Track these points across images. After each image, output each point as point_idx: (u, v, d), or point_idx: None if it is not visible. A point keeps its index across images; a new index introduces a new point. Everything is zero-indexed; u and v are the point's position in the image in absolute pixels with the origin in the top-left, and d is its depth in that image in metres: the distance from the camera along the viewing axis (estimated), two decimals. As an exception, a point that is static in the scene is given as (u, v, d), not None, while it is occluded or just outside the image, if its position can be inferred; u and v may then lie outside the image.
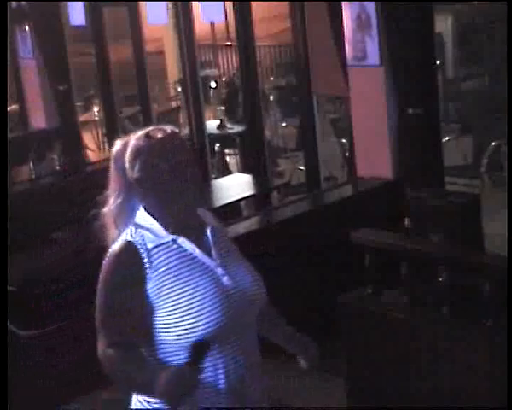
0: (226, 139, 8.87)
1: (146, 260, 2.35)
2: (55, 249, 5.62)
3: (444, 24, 10.04)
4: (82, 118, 9.97)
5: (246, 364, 2.42)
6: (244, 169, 8.13)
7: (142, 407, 2.41)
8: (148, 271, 2.34)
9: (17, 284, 4.65)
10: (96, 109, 10.26)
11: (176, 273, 2.36)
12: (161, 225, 2.40)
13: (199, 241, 2.44)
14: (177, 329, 2.32)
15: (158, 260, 2.36)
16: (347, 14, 5.41)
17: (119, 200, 2.43)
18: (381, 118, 5.37)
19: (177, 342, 2.33)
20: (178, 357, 2.34)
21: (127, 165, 2.41)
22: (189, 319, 2.31)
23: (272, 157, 8.12)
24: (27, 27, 8.47)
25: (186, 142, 2.51)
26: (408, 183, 5.24)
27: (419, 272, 4.04)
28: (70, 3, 8.34)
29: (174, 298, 2.33)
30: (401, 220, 4.51)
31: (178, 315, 2.32)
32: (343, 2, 5.43)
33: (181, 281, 2.35)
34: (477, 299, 3.73)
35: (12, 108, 9.48)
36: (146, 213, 2.42)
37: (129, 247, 2.37)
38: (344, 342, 4.23)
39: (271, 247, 4.82)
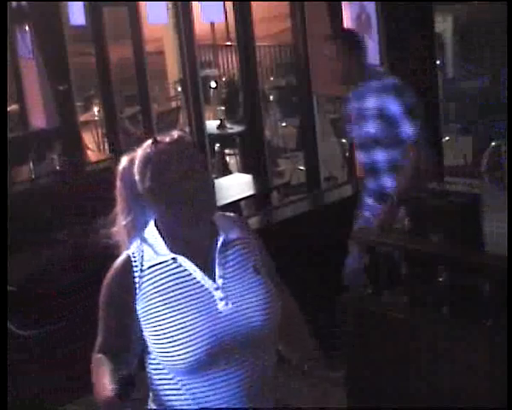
0: (226, 139, 8.87)
1: (137, 279, 2.30)
2: (55, 249, 5.62)
3: (444, 24, 10.04)
4: (82, 118, 9.97)
5: (255, 382, 2.34)
6: (244, 169, 8.13)
7: None
8: (137, 291, 2.30)
9: (17, 284, 4.65)
10: (96, 109, 10.26)
11: (164, 296, 2.29)
12: (165, 241, 2.33)
13: (204, 258, 2.35)
14: (164, 352, 2.27)
15: (148, 282, 2.30)
16: (347, 14, 5.41)
17: (129, 217, 2.37)
18: (381, 118, 5.37)
19: (166, 364, 2.28)
20: (169, 379, 2.31)
21: (137, 177, 2.33)
22: (173, 345, 2.25)
23: (272, 157, 8.13)
24: (27, 27, 8.47)
25: (195, 145, 2.42)
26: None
27: (419, 272, 4.04)
28: (70, 3, 8.35)
29: (160, 322, 2.27)
30: (401, 220, 4.51)
31: (164, 339, 2.26)
32: (343, 2, 5.43)
33: (168, 304, 2.28)
34: (477, 299, 3.73)
35: (12, 108, 9.48)
36: (154, 228, 2.36)
37: (126, 263, 2.33)
38: (344, 342, 4.23)
39: (271, 247, 4.81)
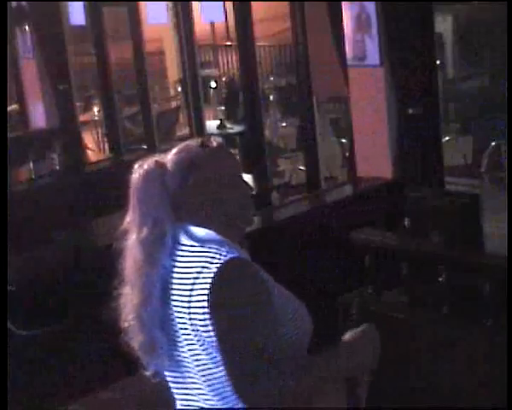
0: (226, 139, 8.85)
1: (261, 272, 2.22)
2: (55, 249, 5.61)
3: (444, 24, 10.04)
4: (82, 118, 9.97)
5: None
6: (244, 169, 8.09)
7: None
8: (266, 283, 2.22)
9: (17, 284, 4.65)
10: (96, 109, 10.26)
11: (271, 284, 2.25)
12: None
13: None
14: (292, 337, 2.30)
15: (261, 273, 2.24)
16: (347, 14, 5.41)
17: (158, 225, 2.21)
18: (381, 118, 5.37)
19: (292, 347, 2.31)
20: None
21: (174, 181, 2.24)
22: (301, 325, 2.34)
23: (272, 157, 8.12)
24: (27, 27, 8.47)
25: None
26: (408, 183, 5.24)
27: (419, 272, 4.04)
28: (70, 3, 8.35)
29: (283, 307, 2.26)
30: (401, 220, 4.51)
31: (292, 326, 2.30)
32: (343, 2, 5.43)
33: (275, 290, 2.26)
34: (477, 299, 3.73)
35: (12, 108, 9.48)
36: (210, 231, 2.24)
37: (247, 263, 2.21)
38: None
39: (271, 247, 4.82)
